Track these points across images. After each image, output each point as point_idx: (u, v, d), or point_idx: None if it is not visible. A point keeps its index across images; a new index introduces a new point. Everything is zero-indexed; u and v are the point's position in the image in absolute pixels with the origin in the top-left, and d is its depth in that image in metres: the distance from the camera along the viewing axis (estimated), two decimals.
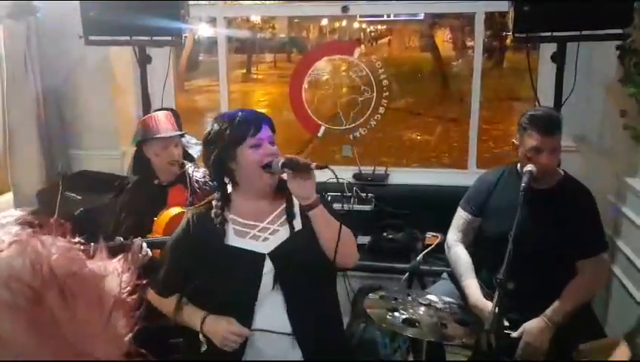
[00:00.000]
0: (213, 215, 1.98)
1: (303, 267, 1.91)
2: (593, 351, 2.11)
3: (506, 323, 2.30)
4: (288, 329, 1.91)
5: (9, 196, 3.51)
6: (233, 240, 1.96)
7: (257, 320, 1.92)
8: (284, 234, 1.97)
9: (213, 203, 2.02)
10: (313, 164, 1.82)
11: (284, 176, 1.91)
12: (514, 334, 2.31)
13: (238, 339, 1.89)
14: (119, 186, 3.04)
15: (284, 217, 1.99)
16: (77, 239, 2.03)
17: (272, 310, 1.92)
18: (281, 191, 1.99)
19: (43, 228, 0.67)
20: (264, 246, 1.95)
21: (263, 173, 1.91)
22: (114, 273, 0.68)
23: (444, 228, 3.30)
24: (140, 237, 2.66)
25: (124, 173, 3.55)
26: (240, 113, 1.97)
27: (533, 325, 2.31)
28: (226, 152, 1.92)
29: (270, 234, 1.97)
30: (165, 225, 2.75)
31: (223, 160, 1.93)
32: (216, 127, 1.95)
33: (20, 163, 3.47)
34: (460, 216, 2.70)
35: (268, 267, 1.92)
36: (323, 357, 1.94)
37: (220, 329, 1.91)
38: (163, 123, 2.88)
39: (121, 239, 2.62)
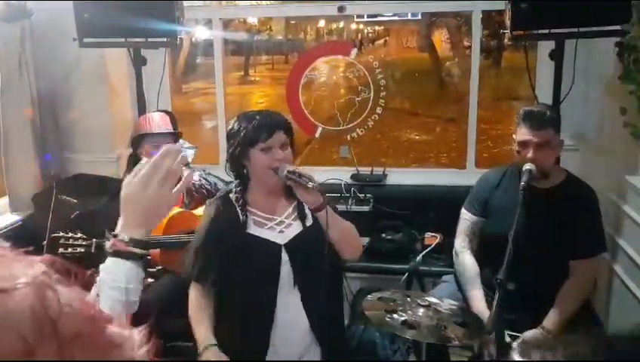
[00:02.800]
0: (234, 200, 2.17)
1: (315, 259, 2.06)
2: None
3: (508, 338, 2.28)
4: (305, 321, 2.08)
5: (5, 200, 3.48)
6: (253, 229, 2.14)
7: (278, 316, 2.08)
8: (297, 228, 2.15)
9: (232, 193, 2.20)
10: (310, 184, 1.96)
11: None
12: (514, 344, 2.29)
13: None
14: (115, 189, 3.01)
15: (297, 213, 2.18)
16: (79, 235, 2.00)
17: (289, 303, 2.09)
18: (292, 190, 2.10)
19: (71, 276, 0.61)
20: (281, 238, 2.12)
21: (269, 174, 2.07)
22: (129, 342, 0.61)
23: (442, 229, 3.30)
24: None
25: (119, 176, 3.52)
26: (258, 116, 2.11)
27: (531, 337, 2.30)
28: (240, 150, 2.10)
29: (285, 227, 2.15)
30: (165, 226, 2.74)
31: (239, 156, 2.12)
32: (236, 125, 2.13)
33: (15, 166, 3.44)
34: (465, 219, 2.68)
35: (285, 258, 2.10)
36: (333, 349, 2.14)
37: None
38: (156, 122, 2.88)
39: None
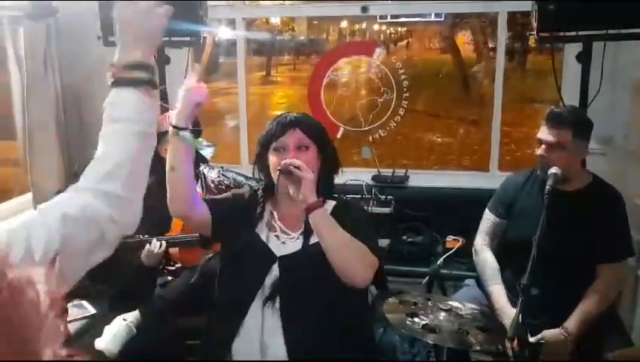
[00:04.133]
0: (259, 197, 2.02)
1: (308, 279, 1.83)
2: (621, 359, 2.05)
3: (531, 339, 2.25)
4: (282, 349, 1.80)
5: (29, 196, 3.52)
6: (262, 230, 1.95)
7: (248, 324, 1.84)
8: (299, 244, 1.91)
9: (259, 193, 2.04)
10: (300, 173, 1.80)
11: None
12: (532, 339, 2.27)
13: None
14: None
15: (306, 227, 1.90)
16: None
17: (267, 319, 1.83)
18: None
19: None
20: (278, 249, 1.92)
21: (279, 176, 1.87)
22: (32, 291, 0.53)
23: (464, 232, 3.26)
24: (157, 237, 2.67)
25: None
26: (281, 116, 1.97)
27: (552, 337, 2.28)
28: (260, 153, 1.97)
29: (290, 239, 1.94)
30: (183, 224, 2.76)
31: (259, 161, 1.98)
32: (266, 127, 1.98)
33: (40, 163, 3.48)
34: (488, 219, 2.66)
35: (275, 271, 1.87)
36: None
37: None
38: None
39: (141, 236, 2.62)
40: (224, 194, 2.14)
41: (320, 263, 1.78)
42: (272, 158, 1.91)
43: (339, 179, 2.03)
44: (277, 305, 1.83)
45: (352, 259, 1.79)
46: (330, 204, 1.99)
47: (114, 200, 1.11)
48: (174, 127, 1.82)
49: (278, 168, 1.84)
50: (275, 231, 1.96)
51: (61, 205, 1.07)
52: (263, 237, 1.93)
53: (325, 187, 1.98)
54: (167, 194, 1.87)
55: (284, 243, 1.93)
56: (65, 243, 1.01)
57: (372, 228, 2.03)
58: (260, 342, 1.82)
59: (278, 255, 1.89)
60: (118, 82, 1.18)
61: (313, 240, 1.87)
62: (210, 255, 2.76)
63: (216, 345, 1.91)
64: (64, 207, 1.06)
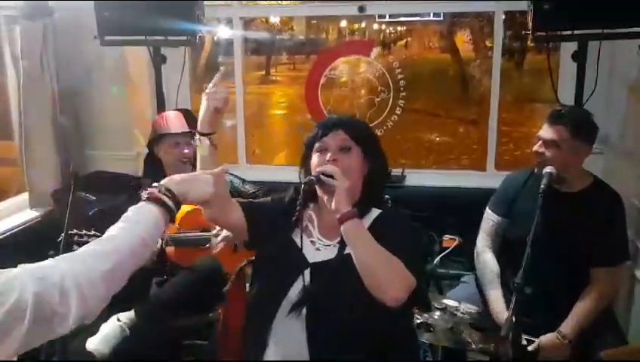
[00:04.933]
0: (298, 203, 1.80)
1: (340, 293, 1.70)
2: (616, 358, 2.05)
3: (525, 341, 2.25)
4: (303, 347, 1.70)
5: (25, 196, 3.53)
6: (298, 235, 1.79)
7: (275, 333, 1.75)
8: (332, 251, 1.81)
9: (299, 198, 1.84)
10: (335, 182, 1.69)
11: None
12: (530, 347, 2.28)
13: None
14: (134, 187, 3.04)
15: (341, 237, 1.76)
16: (92, 232, 2.09)
17: (289, 330, 1.73)
18: (364, 205, 1.85)
19: None
20: (312, 255, 1.82)
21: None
22: None
23: (461, 231, 3.27)
24: None
25: (138, 173, 3.55)
26: (327, 118, 1.98)
27: (548, 342, 2.28)
28: (306, 154, 1.91)
29: (325, 247, 1.83)
30: (180, 221, 2.76)
31: (305, 161, 1.91)
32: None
33: (36, 163, 3.48)
34: (489, 219, 2.65)
35: (306, 278, 1.75)
36: None
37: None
38: (173, 121, 2.89)
39: None
40: (263, 199, 2.09)
41: (353, 275, 1.64)
42: (314, 160, 1.84)
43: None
44: (303, 313, 1.72)
45: (384, 276, 1.62)
46: (374, 213, 1.88)
47: (92, 280, 1.20)
48: (198, 133, 1.95)
49: (312, 176, 1.76)
50: (312, 237, 1.86)
51: (42, 268, 1.16)
52: (298, 242, 1.78)
53: (369, 193, 1.88)
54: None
55: (318, 249, 1.83)
56: (36, 303, 1.09)
57: (415, 245, 1.88)
58: (284, 349, 1.74)
59: (310, 261, 1.79)
60: (149, 199, 1.41)
61: (349, 250, 1.72)
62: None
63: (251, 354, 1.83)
64: (44, 270, 1.15)
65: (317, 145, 1.84)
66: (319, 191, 1.76)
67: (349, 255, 1.70)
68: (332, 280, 1.73)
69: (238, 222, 1.86)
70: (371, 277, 1.62)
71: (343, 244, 1.77)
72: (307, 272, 1.77)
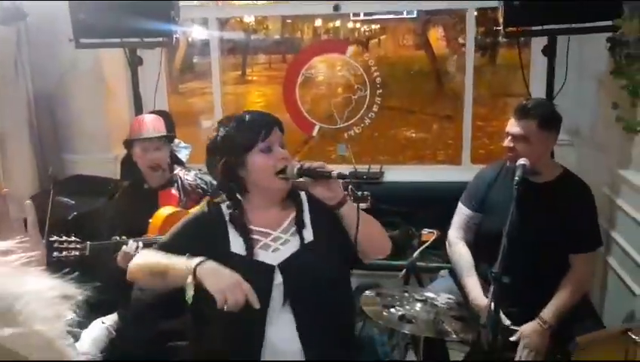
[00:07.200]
0: (227, 217, 1.84)
1: (313, 281, 1.77)
2: (592, 342, 2.11)
3: (507, 322, 2.31)
4: (298, 346, 1.75)
5: None
6: (239, 248, 1.80)
7: (268, 337, 1.75)
8: (294, 245, 1.83)
9: (224, 209, 1.87)
10: (334, 173, 1.75)
11: (300, 181, 1.82)
12: (512, 338, 2.34)
13: (241, 296, 1.59)
14: (112, 191, 3.04)
15: (295, 227, 1.85)
16: (72, 238, 2.01)
17: (281, 326, 1.76)
18: (291, 198, 1.89)
19: None
20: (273, 258, 1.80)
21: (276, 179, 1.79)
22: None
23: (439, 225, 3.31)
24: (134, 238, 2.66)
25: (117, 176, 3.54)
26: (248, 116, 1.83)
27: (529, 329, 2.34)
28: (235, 159, 1.79)
29: (281, 244, 1.83)
30: (161, 225, 2.75)
31: (233, 167, 1.80)
32: (222, 132, 1.82)
33: (13, 168, 3.45)
34: (461, 213, 2.69)
35: (278, 280, 1.77)
36: None
37: (226, 276, 1.63)
38: (146, 124, 2.84)
39: (117, 238, 2.62)
40: (172, 235, 1.91)
41: (318, 259, 1.80)
42: (261, 160, 1.78)
43: None
44: (287, 308, 1.77)
45: (380, 235, 1.96)
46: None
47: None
48: None
49: (302, 170, 1.77)
50: (259, 242, 1.83)
51: None
52: (242, 252, 1.79)
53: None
54: None
55: (276, 250, 1.83)
56: None
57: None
58: (277, 341, 1.77)
59: (274, 264, 1.79)
60: None
61: (308, 238, 1.84)
62: None
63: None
64: None
65: (261, 144, 1.78)
66: (312, 185, 1.80)
67: (309, 243, 1.83)
68: (302, 270, 1.79)
69: None
70: (372, 241, 1.89)
71: (300, 234, 1.84)
72: (277, 274, 1.78)
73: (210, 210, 1.90)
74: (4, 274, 0.61)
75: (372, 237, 1.91)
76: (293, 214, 1.88)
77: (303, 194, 1.92)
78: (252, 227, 1.84)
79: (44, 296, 0.62)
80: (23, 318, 0.58)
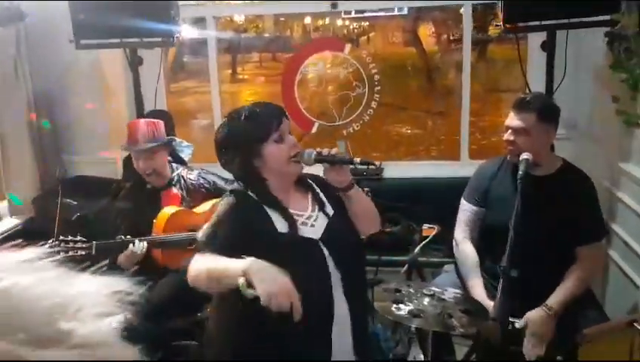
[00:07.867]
0: (256, 198, 1.90)
1: (350, 246, 1.98)
2: (599, 334, 2.14)
3: (512, 319, 2.33)
4: (346, 309, 1.89)
5: (4, 204, 3.48)
6: (284, 227, 1.88)
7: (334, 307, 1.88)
8: (323, 219, 1.98)
9: (251, 195, 1.92)
10: (357, 160, 1.90)
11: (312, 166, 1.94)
12: (517, 324, 2.34)
13: (287, 304, 1.59)
14: (114, 191, 3.04)
15: (317, 205, 2.01)
16: (78, 238, 2.00)
17: (337, 295, 1.88)
18: (300, 182, 2.02)
19: None
20: (313, 233, 1.93)
21: (291, 164, 1.89)
22: None
23: (439, 219, 3.34)
24: (139, 238, 2.67)
25: (118, 176, 3.54)
26: (258, 108, 1.90)
27: (535, 316, 2.34)
28: (250, 150, 1.86)
29: (315, 221, 1.97)
30: (164, 225, 2.76)
31: (248, 159, 1.87)
32: (234, 126, 1.89)
33: (14, 170, 3.44)
34: (465, 209, 2.69)
35: (325, 252, 1.90)
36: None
37: (276, 280, 1.62)
38: (137, 132, 2.82)
39: (122, 237, 2.62)
40: (218, 230, 1.88)
41: (345, 228, 2.01)
42: (276, 149, 1.86)
43: (319, 174, 2.06)
44: (337, 274, 1.90)
45: (375, 213, 2.13)
46: None
47: None
48: None
49: (319, 157, 1.90)
50: (298, 221, 1.91)
51: None
52: (286, 230, 1.88)
53: None
54: None
55: (313, 226, 1.95)
56: None
57: None
58: (339, 315, 1.89)
59: (317, 238, 1.92)
60: None
61: (330, 212, 2.01)
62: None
63: (317, 344, 1.86)
64: None
65: (275, 135, 1.86)
66: (327, 170, 1.95)
67: (333, 215, 2.00)
68: (340, 240, 1.95)
69: None
70: (371, 218, 2.11)
71: (324, 210, 2.00)
72: (324, 248, 1.90)
73: (239, 199, 1.93)
74: (52, 279, 0.62)
75: (369, 215, 2.11)
76: (309, 195, 2.03)
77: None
78: (289, 205, 1.95)
79: (96, 295, 0.63)
80: (82, 315, 0.59)
